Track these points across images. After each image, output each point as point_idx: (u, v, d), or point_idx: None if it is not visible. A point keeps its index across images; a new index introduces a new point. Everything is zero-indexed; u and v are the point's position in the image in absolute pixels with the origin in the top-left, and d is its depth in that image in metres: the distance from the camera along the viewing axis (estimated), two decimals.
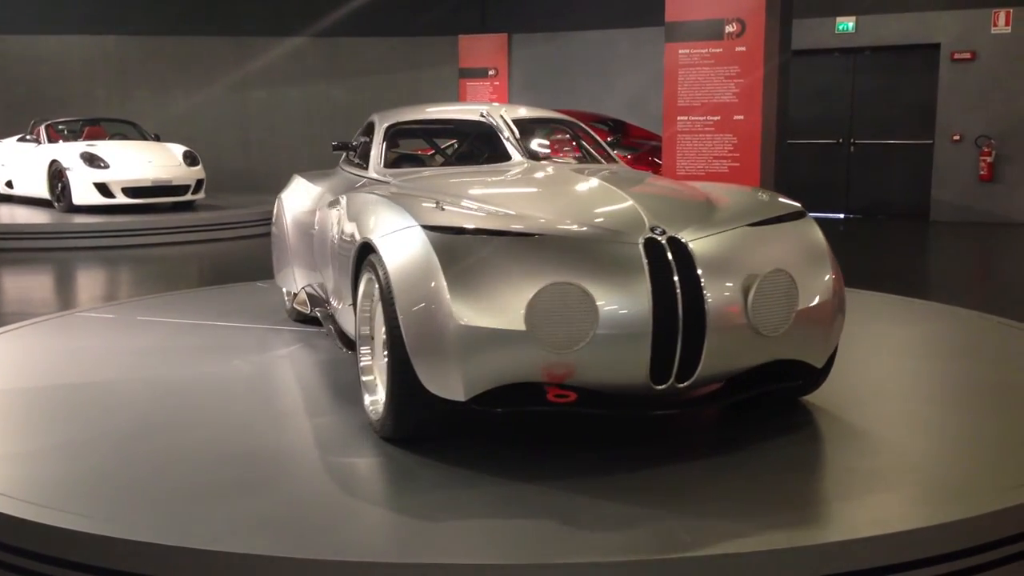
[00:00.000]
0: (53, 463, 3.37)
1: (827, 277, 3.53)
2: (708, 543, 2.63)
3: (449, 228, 3.26)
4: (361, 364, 3.76)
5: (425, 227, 3.25)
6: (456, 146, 5.57)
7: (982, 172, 12.87)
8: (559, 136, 5.55)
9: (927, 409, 3.93)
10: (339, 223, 4.22)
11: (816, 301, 3.43)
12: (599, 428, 3.63)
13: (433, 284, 3.11)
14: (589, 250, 3.24)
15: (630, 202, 3.50)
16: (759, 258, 3.37)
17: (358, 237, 3.69)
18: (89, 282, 9.44)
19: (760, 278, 3.24)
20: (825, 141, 14.11)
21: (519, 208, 3.57)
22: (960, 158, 13.07)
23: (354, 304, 3.79)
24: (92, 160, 11.96)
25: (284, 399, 4.20)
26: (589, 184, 4.00)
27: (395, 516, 2.98)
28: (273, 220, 5.77)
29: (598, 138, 5.39)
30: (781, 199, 3.92)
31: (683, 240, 3.29)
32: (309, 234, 4.93)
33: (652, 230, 3.29)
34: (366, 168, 4.90)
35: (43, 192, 12.48)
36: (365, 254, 3.61)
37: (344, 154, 5.53)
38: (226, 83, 16.92)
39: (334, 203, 4.50)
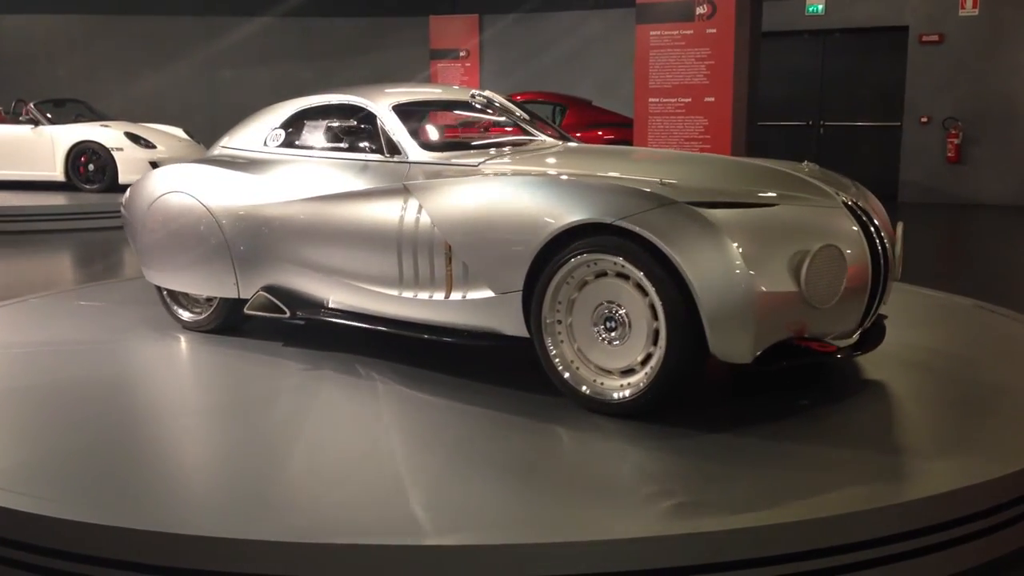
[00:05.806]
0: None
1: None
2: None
3: (710, 203, 3.41)
4: (556, 357, 3.66)
5: (688, 203, 3.38)
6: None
7: (949, 154, 12.99)
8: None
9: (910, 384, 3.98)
10: (452, 212, 3.91)
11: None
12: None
13: (724, 256, 3.26)
14: (815, 216, 3.58)
15: (787, 171, 3.89)
16: (884, 218, 3.88)
17: (555, 223, 3.51)
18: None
19: (900, 233, 3.90)
20: (795, 123, 14.17)
21: (700, 183, 3.75)
22: (928, 140, 13.18)
23: (535, 292, 3.65)
24: (137, 140, 12.11)
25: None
26: (707, 159, 4.52)
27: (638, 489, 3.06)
28: (164, 216, 5.08)
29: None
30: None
31: (859, 204, 3.73)
32: (295, 230, 4.48)
33: (837, 195, 3.70)
34: (377, 152, 4.48)
35: (53, 174, 12.13)
36: (567, 241, 3.52)
37: (242, 138, 5.18)
38: (193, 63, 16.71)
39: (387, 193, 4.16)
